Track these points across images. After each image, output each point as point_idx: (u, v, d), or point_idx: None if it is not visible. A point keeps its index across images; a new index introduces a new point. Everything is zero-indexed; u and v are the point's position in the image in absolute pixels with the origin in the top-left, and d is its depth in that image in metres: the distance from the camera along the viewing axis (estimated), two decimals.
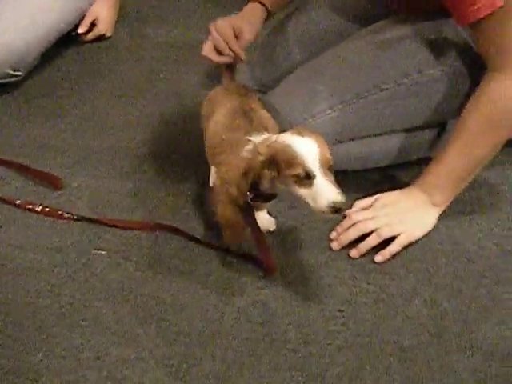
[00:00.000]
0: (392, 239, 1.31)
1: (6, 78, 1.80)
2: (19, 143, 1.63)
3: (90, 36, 2.07)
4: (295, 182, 1.08)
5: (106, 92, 1.85)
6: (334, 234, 1.35)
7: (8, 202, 1.43)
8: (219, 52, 1.38)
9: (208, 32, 1.38)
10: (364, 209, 1.38)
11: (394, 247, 1.31)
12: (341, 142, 1.42)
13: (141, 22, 2.19)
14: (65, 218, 1.39)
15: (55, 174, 1.50)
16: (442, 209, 1.36)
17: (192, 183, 1.49)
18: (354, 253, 1.32)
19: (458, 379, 1.10)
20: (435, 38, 1.40)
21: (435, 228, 1.36)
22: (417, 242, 1.34)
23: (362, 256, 1.31)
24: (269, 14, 1.49)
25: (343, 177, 1.46)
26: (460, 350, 1.14)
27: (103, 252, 1.32)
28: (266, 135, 1.17)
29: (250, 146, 1.15)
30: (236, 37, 1.38)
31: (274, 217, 1.37)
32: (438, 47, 1.40)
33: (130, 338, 1.15)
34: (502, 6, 1.18)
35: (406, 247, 1.32)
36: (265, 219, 1.35)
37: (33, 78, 1.88)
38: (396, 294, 1.24)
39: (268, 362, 1.12)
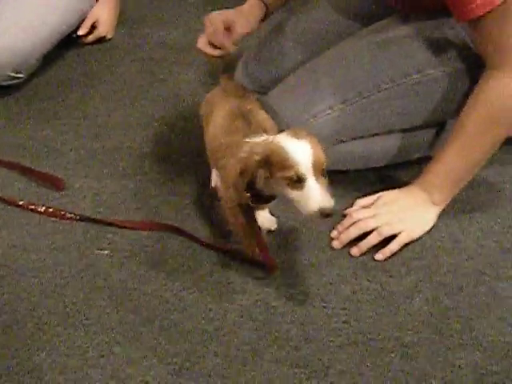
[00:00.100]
0: (393, 237, 1.32)
1: (8, 80, 1.81)
2: (21, 145, 1.64)
3: (91, 38, 2.09)
4: (287, 184, 1.08)
5: (107, 93, 1.86)
6: (334, 233, 1.36)
7: (11, 203, 1.44)
8: (214, 45, 1.39)
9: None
10: (365, 207, 1.38)
11: (394, 245, 1.32)
12: (341, 142, 1.43)
13: (141, 24, 2.21)
14: (68, 219, 1.40)
15: (57, 176, 1.51)
16: (442, 207, 1.37)
17: (193, 183, 1.50)
18: (355, 251, 1.32)
19: (459, 375, 1.10)
20: (435, 38, 1.41)
21: (435, 226, 1.37)
22: (417, 240, 1.35)
23: (363, 254, 1.32)
24: (268, 12, 1.50)
25: (343, 176, 1.48)
26: (461, 346, 1.15)
27: (106, 252, 1.33)
28: (264, 137, 1.18)
29: (247, 147, 1.15)
30: (228, 30, 1.40)
31: (276, 216, 1.37)
32: (437, 47, 1.40)
33: (134, 337, 1.16)
34: (500, 4, 1.19)
35: (406, 245, 1.33)
36: (266, 219, 1.36)
37: (34, 80, 1.90)
38: (397, 291, 1.25)
39: (270, 360, 1.13)
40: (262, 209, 1.33)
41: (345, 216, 1.38)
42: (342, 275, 1.28)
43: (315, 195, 1.06)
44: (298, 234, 1.37)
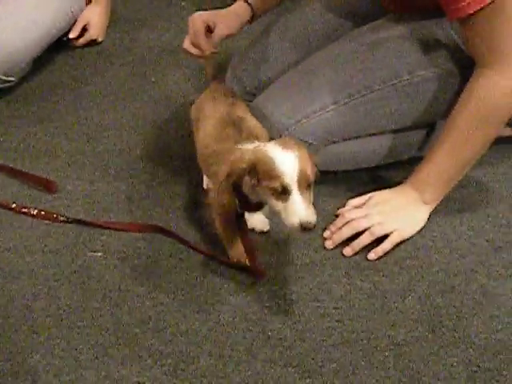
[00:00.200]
0: (385, 237, 1.33)
1: None
2: (12, 148, 1.64)
3: (82, 41, 2.09)
4: (272, 194, 1.08)
5: (98, 96, 1.86)
6: (327, 233, 1.37)
7: (3, 206, 1.44)
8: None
9: None
10: (357, 207, 1.39)
11: (386, 245, 1.33)
12: (333, 142, 1.43)
13: (132, 27, 2.21)
14: (60, 221, 1.40)
15: (50, 178, 1.51)
16: (433, 206, 1.38)
17: (185, 185, 1.51)
18: (347, 251, 1.33)
19: (451, 372, 1.11)
20: (426, 39, 1.42)
21: (427, 225, 1.38)
22: (409, 239, 1.36)
23: (356, 254, 1.33)
24: (254, 15, 1.51)
25: (335, 176, 1.49)
26: (453, 344, 1.16)
27: (99, 254, 1.33)
28: (256, 143, 1.18)
29: (237, 153, 1.15)
30: (210, 31, 1.40)
31: (269, 218, 1.38)
32: (429, 48, 1.41)
33: (128, 338, 1.16)
34: (491, 2, 1.19)
35: (398, 245, 1.34)
36: (259, 220, 1.36)
37: (25, 83, 1.90)
38: (390, 290, 1.26)
39: (264, 359, 1.13)
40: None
41: (337, 216, 1.39)
42: (335, 275, 1.29)
43: (298, 209, 1.06)
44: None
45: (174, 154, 1.61)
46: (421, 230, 1.37)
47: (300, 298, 1.24)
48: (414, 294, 1.25)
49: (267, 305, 1.23)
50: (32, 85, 1.90)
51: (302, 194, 1.07)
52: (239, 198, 1.17)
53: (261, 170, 1.09)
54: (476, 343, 1.16)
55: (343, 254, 1.33)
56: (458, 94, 1.34)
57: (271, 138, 1.31)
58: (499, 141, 1.43)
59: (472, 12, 1.21)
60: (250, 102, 1.49)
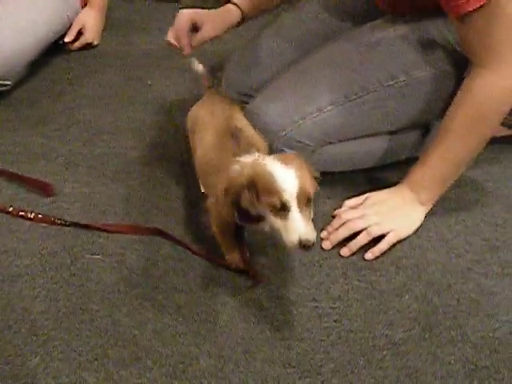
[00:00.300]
0: (381, 237, 1.34)
1: None
2: (9, 151, 1.64)
3: (77, 44, 2.09)
4: (271, 210, 1.06)
5: (94, 99, 1.87)
6: (324, 234, 1.37)
7: (0, 210, 1.44)
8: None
9: None
10: (353, 208, 1.40)
11: (383, 245, 1.33)
12: (329, 144, 1.44)
13: (127, 30, 2.22)
14: (58, 225, 1.40)
15: (47, 181, 1.51)
16: (429, 207, 1.39)
17: (183, 187, 1.51)
18: (344, 251, 1.34)
19: (449, 371, 1.12)
20: (422, 40, 1.42)
21: (423, 225, 1.39)
22: (406, 239, 1.37)
23: (353, 254, 1.34)
24: (244, 18, 1.51)
25: (332, 177, 1.50)
26: (451, 342, 1.17)
27: (98, 256, 1.33)
28: (255, 155, 1.16)
29: (236, 167, 1.13)
30: (196, 31, 1.41)
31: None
32: (424, 49, 1.42)
33: (127, 340, 1.17)
34: (490, 1, 1.19)
35: (394, 245, 1.35)
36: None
37: (21, 86, 1.90)
38: (387, 290, 1.27)
39: (263, 360, 1.14)
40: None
41: (334, 217, 1.40)
42: (333, 275, 1.30)
43: (297, 226, 1.03)
44: None
45: (171, 156, 1.62)
46: (417, 229, 1.38)
47: (298, 299, 1.24)
48: (410, 293, 1.26)
49: (265, 305, 1.23)
50: (28, 88, 1.91)
51: (301, 210, 1.04)
52: (239, 211, 1.15)
53: (260, 185, 1.07)
54: (473, 341, 1.17)
55: (340, 255, 1.34)
56: (453, 94, 1.35)
57: (270, 147, 1.31)
58: (495, 140, 1.44)
59: (471, 9, 1.21)
60: (247, 104, 1.49)
